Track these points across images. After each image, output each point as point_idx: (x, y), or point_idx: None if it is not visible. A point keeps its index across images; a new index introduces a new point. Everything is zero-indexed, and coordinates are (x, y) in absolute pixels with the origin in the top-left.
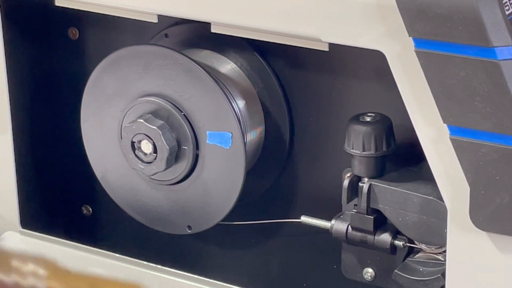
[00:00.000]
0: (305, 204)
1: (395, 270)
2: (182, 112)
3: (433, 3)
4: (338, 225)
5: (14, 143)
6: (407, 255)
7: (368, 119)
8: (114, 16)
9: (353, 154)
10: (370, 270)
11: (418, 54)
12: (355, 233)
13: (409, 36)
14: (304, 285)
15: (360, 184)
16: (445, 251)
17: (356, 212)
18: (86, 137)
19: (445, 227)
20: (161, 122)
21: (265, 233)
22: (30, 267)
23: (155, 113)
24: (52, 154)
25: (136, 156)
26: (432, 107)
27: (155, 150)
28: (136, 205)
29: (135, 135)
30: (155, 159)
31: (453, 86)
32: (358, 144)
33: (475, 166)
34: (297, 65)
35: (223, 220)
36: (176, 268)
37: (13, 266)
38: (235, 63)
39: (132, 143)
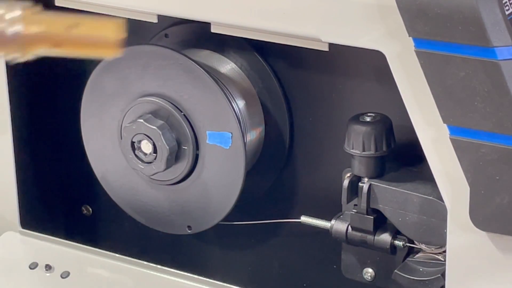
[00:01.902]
0: (305, 204)
1: (395, 270)
2: (182, 112)
3: (433, 3)
4: (338, 225)
5: (14, 143)
6: (407, 255)
7: (368, 119)
8: (114, 16)
9: (353, 154)
10: (370, 270)
11: (418, 54)
12: (355, 233)
13: (409, 36)
14: (304, 285)
15: (360, 184)
16: (445, 251)
17: (356, 212)
18: (86, 137)
19: (445, 227)
20: (161, 122)
21: (265, 233)
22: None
23: (155, 113)
24: (52, 154)
25: (136, 156)
26: (432, 107)
27: (155, 150)
28: (136, 205)
29: (135, 135)
30: (155, 159)
31: (453, 86)
32: (358, 144)
33: (475, 166)
34: (297, 65)
35: (223, 220)
36: (176, 268)
37: None
38: (235, 63)
39: (132, 143)
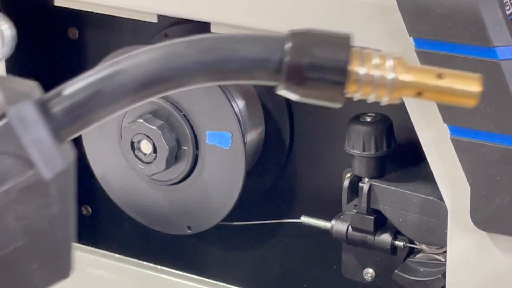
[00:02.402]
0: (305, 204)
1: (396, 271)
2: (182, 112)
3: (433, 3)
4: (338, 226)
5: None
6: (408, 255)
7: (368, 119)
8: (114, 16)
9: (353, 154)
10: (370, 270)
11: (419, 54)
12: (355, 234)
13: (409, 36)
14: (304, 285)
15: (360, 184)
16: (445, 252)
17: (356, 212)
18: (86, 137)
19: (446, 228)
20: (161, 122)
21: (265, 233)
22: (389, 63)
23: (155, 113)
24: None
25: (136, 156)
26: (432, 107)
27: (155, 150)
28: (136, 205)
29: (135, 135)
30: (155, 159)
31: None
32: (358, 144)
33: (476, 166)
34: None
35: (223, 220)
36: (176, 268)
37: (373, 63)
38: None
39: (132, 143)
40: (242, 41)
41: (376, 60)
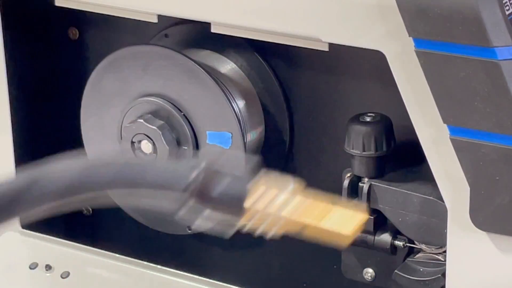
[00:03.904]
0: None
1: (395, 271)
2: (182, 112)
3: (433, 3)
4: None
5: (14, 143)
6: (407, 255)
7: (368, 119)
8: (114, 16)
9: (353, 154)
10: (370, 270)
11: (418, 54)
12: None
13: (409, 36)
14: (304, 285)
15: (360, 184)
16: (445, 251)
17: None
18: (86, 137)
19: (445, 227)
20: (161, 122)
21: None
22: None
23: (155, 113)
24: (52, 154)
25: (136, 156)
26: (432, 107)
27: (155, 150)
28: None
29: (135, 135)
30: (155, 159)
31: (453, 86)
32: (358, 144)
33: (475, 166)
34: (297, 65)
35: None
36: (176, 268)
37: None
38: (235, 63)
39: (132, 143)
40: None
41: None
